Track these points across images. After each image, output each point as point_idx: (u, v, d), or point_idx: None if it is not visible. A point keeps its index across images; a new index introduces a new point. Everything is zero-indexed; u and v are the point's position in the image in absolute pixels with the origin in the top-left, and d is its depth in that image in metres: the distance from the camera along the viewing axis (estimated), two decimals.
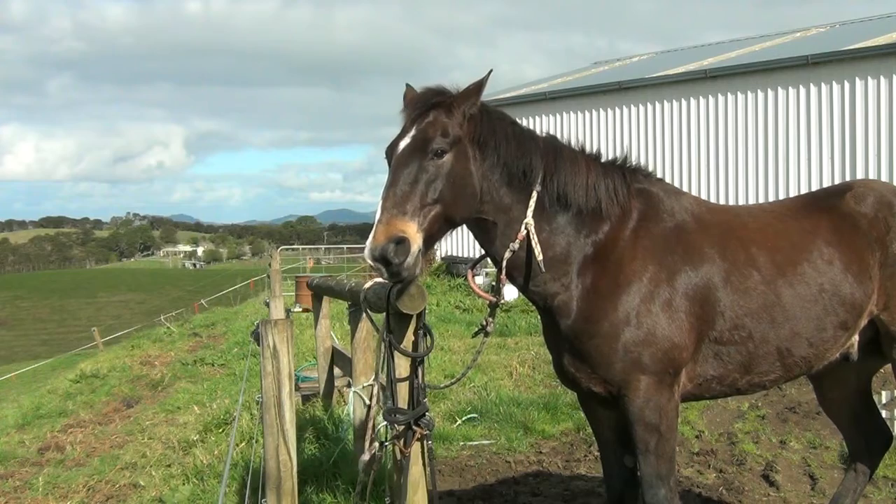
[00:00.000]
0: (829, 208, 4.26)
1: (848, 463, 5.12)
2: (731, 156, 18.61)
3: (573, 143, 3.90)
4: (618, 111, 20.63)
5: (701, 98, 19.07)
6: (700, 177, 19.10)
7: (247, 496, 5.46)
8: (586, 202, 3.71)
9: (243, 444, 8.02)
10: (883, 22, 21.76)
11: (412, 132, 3.38)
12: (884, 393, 8.17)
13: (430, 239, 3.36)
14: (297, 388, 9.73)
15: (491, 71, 3.54)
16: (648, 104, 20.05)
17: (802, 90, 17.51)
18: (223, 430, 9.49)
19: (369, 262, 3.22)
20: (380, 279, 3.69)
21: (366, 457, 3.71)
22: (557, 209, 3.69)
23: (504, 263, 3.63)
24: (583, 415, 5.09)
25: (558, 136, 3.90)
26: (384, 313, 3.61)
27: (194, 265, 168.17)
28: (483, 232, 3.66)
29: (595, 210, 3.74)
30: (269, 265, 15.80)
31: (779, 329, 3.93)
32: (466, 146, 3.45)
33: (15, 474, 10.38)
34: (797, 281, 3.97)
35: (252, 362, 11.15)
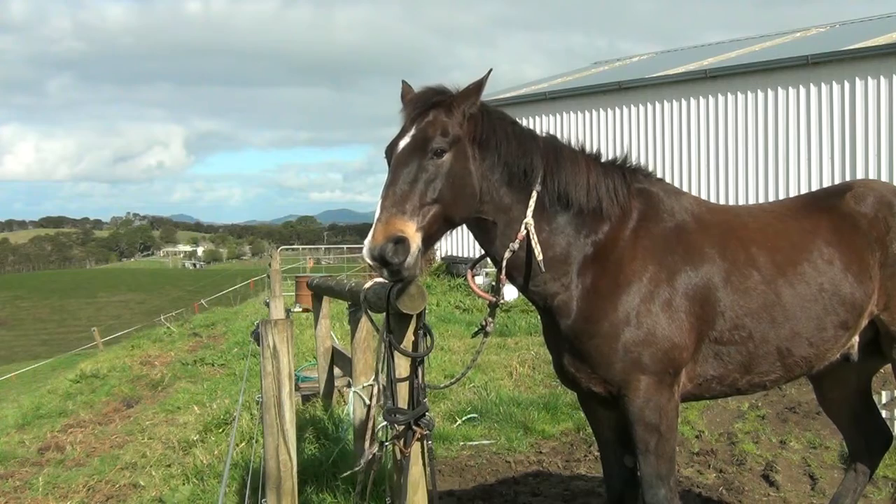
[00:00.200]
0: (829, 208, 4.26)
1: (848, 463, 5.12)
2: (731, 156, 18.61)
3: (573, 143, 3.90)
4: (618, 111, 20.63)
5: (701, 98, 19.07)
6: (700, 177, 19.10)
7: (247, 496, 5.46)
8: (587, 202, 3.71)
9: (243, 444, 8.02)
10: (883, 22, 21.76)
11: (412, 131, 3.37)
12: (884, 393, 8.17)
13: (430, 238, 3.35)
14: (297, 388, 9.72)
15: (491, 70, 3.53)
16: (648, 104, 20.05)
17: (802, 90, 17.51)
18: (223, 430, 9.48)
19: (368, 261, 3.21)
20: (380, 279, 3.68)
21: (367, 456, 3.71)
22: (557, 209, 3.69)
23: (504, 263, 3.62)
24: (583, 415, 5.09)
25: (558, 136, 3.90)
26: (384, 313, 3.61)
27: (194, 265, 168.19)
28: (483, 232, 3.65)
29: (595, 210, 3.73)
30: (269, 265, 15.80)
31: (779, 329, 3.92)
32: (466, 146, 3.44)
33: (15, 474, 10.37)
34: (797, 281, 3.97)
35: (252, 362, 11.15)
